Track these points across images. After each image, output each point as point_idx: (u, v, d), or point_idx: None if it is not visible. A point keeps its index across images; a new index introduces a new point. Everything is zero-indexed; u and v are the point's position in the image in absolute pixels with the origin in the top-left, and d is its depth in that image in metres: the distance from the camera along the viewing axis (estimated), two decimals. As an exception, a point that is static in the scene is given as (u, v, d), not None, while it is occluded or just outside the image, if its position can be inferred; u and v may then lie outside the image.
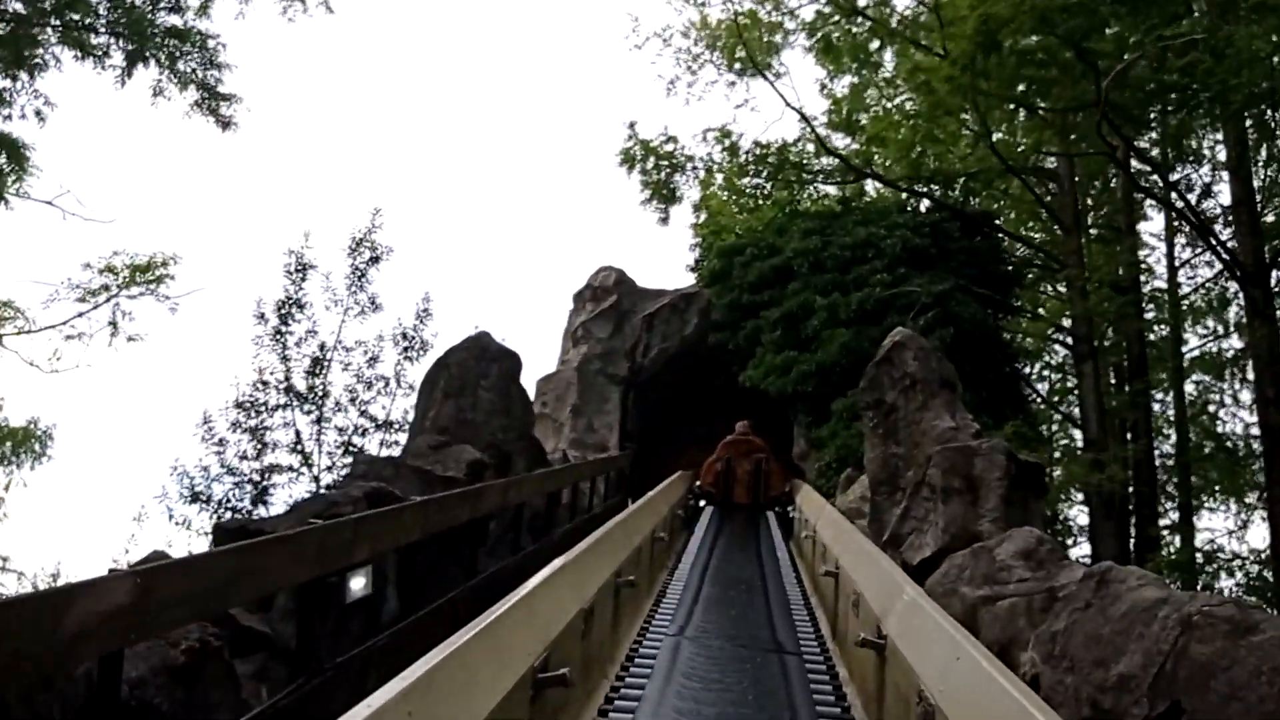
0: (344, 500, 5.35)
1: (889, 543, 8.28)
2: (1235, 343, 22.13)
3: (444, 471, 7.16)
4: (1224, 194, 19.55)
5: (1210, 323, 22.79)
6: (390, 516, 5.09)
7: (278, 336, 14.45)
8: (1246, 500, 21.79)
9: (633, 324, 18.82)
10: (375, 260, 15.71)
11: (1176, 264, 22.04)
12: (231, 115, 14.22)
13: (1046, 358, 23.45)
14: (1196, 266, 22.75)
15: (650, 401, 19.27)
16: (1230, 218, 17.99)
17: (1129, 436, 18.20)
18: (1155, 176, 18.29)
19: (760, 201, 20.61)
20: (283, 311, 14.58)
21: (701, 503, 18.80)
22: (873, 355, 15.81)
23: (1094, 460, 13.47)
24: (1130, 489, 16.59)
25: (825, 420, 15.57)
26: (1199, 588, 15.81)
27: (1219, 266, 21.37)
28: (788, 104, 18.27)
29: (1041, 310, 18.69)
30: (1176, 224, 22.03)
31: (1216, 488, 21.68)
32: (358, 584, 4.64)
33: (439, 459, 7.41)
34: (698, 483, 17.53)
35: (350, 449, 14.61)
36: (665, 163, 19.83)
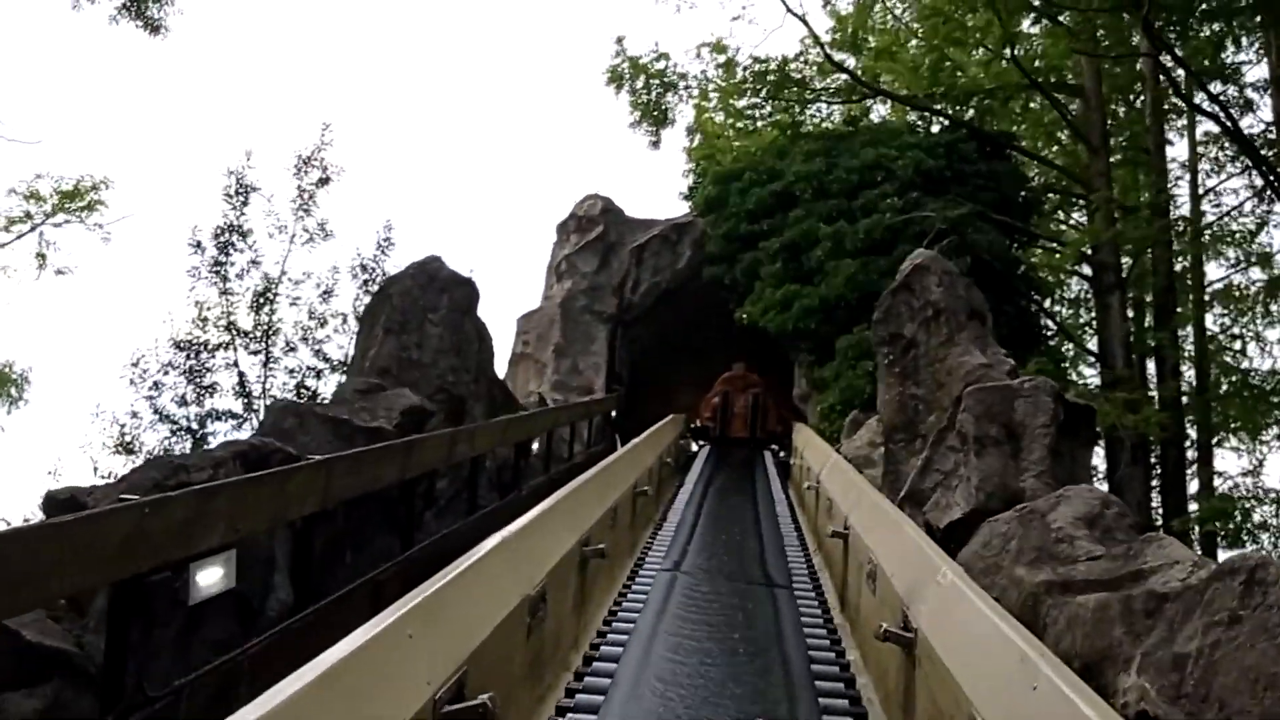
0: (201, 464, 4.08)
1: (907, 499, 7.06)
2: (1257, 274, 20.88)
3: (370, 421, 5.88)
4: (1264, 111, 18.10)
5: (1231, 254, 21.56)
6: (266, 484, 3.84)
7: (217, 268, 13.03)
8: (1262, 439, 20.75)
9: (620, 257, 17.44)
10: (325, 181, 14.22)
11: (1200, 191, 20.68)
12: (161, 19, 12.67)
13: (1060, 291, 22.19)
14: (1221, 195, 21.39)
15: (640, 341, 17.98)
16: (1270, 136, 16.58)
17: (1154, 374, 16.99)
18: (1180, 98, 16.79)
19: (758, 124, 19.07)
20: (221, 240, 13.14)
21: (695, 445, 17.69)
22: (882, 289, 14.52)
23: (1127, 400, 12.24)
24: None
25: (829, 359, 14.30)
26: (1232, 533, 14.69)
27: (1244, 195, 20.06)
28: (789, 9, 16.63)
29: (1060, 240, 17.30)
30: (1200, 150, 20.65)
31: (1234, 426, 20.62)
32: (210, 577, 3.41)
33: (367, 406, 6.13)
34: (694, 423, 16.48)
35: (303, 392, 13.33)
36: (656, 81, 18.28)
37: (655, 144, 18.85)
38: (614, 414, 15.41)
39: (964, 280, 7.77)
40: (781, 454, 16.34)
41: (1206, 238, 20.17)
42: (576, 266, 17.28)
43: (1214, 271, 21.09)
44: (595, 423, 14.78)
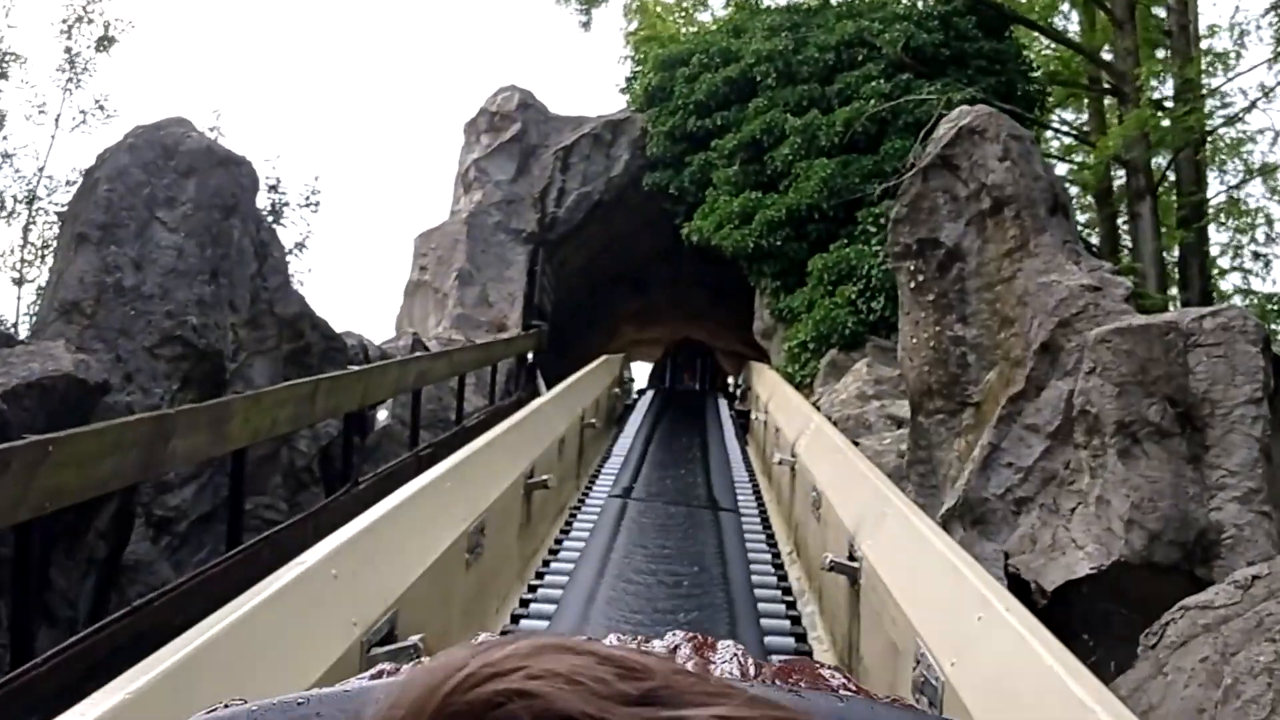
0: None
1: (959, 515, 4.25)
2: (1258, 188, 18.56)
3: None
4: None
5: (1230, 166, 19.19)
6: None
7: (-44, 165, 9.58)
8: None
9: (543, 162, 14.28)
10: (106, 42, 10.57)
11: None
12: None
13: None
14: (1226, 95, 18.88)
15: (569, 264, 14.95)
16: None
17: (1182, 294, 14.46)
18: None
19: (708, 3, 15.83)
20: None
21: (635, 391, 14.92)
22: (867, 194, 11.61)
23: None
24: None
25: (800, 285, 11.48)
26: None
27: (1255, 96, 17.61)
28: None
29: (1078, 136, 14.54)
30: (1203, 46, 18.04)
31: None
32: None
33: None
34: (624, 371, 13.65)
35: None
36: (585, -54, 14.92)
37: (586, 25, 15.65)
38: (531, 356, 12.45)
39: (1039, 151, 4.88)
40: (736, 404, 13.66)
41: (1210, 145, 17.69)
42: (488, 174, 14.09)
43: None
44: (508, 368, 11.81)
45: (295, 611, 2.38)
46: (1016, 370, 4.32)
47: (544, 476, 5.63)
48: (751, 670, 0.93)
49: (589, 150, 14.29)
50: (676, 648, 0.96)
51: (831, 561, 4.13)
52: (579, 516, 6.50)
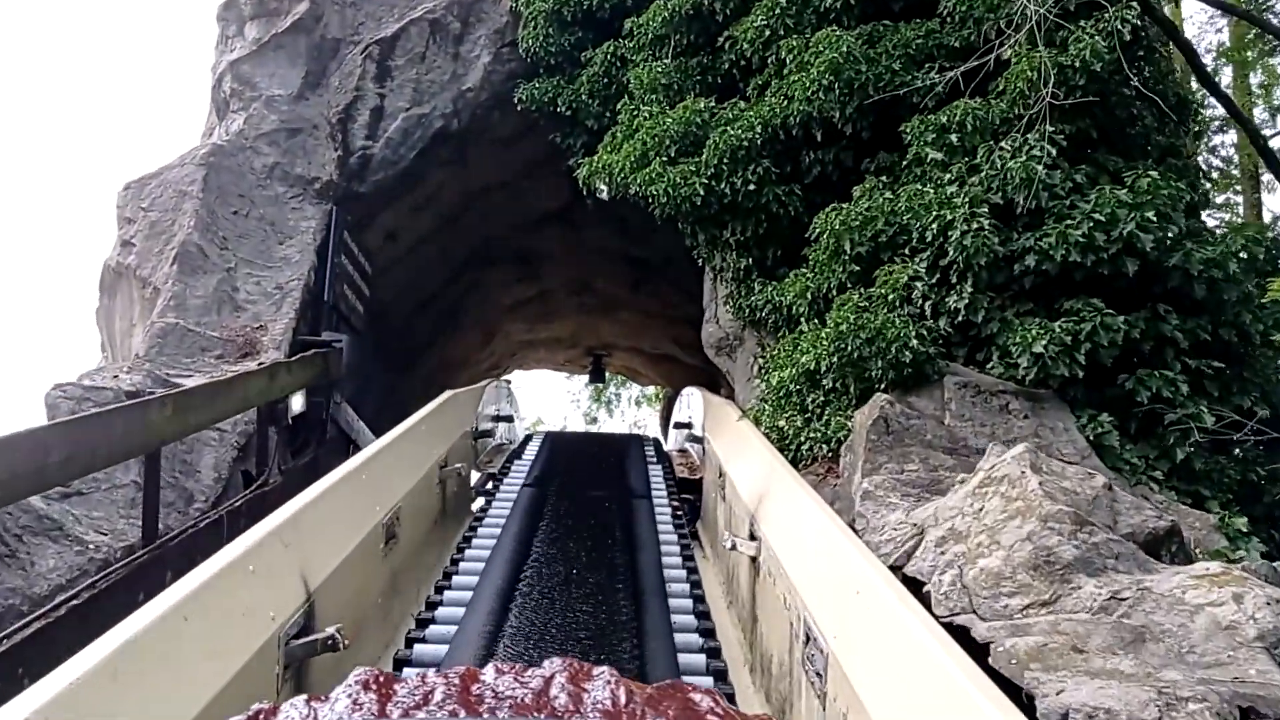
0: None
1: None
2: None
3: None
4: None
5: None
6: None
7: None
8: None
9: (347, 67, 8.72)
10: None
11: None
12: None
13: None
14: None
15: (403, 236, 9.45)
16: None
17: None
18: None
19: None
20: None
21: (514, 438, 9.69)
22: (911, 95, 6.38)
23: None
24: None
25: (793, 262, 6.30)
26: None
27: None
28: None
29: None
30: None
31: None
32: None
33: None
34: (493, 408, 8.43)
35: None
36: None
37: None
38: (300, 402, 6.92)
39: None
40: (676, 461, 8.52)
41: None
42: (255, 86, 8.48)
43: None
44: (245, 436, 6.28)
45: None
46: None
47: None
48: (623, 698, 1.02)
49: (424, 47, 8.77)
50: (553, 676, 1.05)
51: None
52: None
